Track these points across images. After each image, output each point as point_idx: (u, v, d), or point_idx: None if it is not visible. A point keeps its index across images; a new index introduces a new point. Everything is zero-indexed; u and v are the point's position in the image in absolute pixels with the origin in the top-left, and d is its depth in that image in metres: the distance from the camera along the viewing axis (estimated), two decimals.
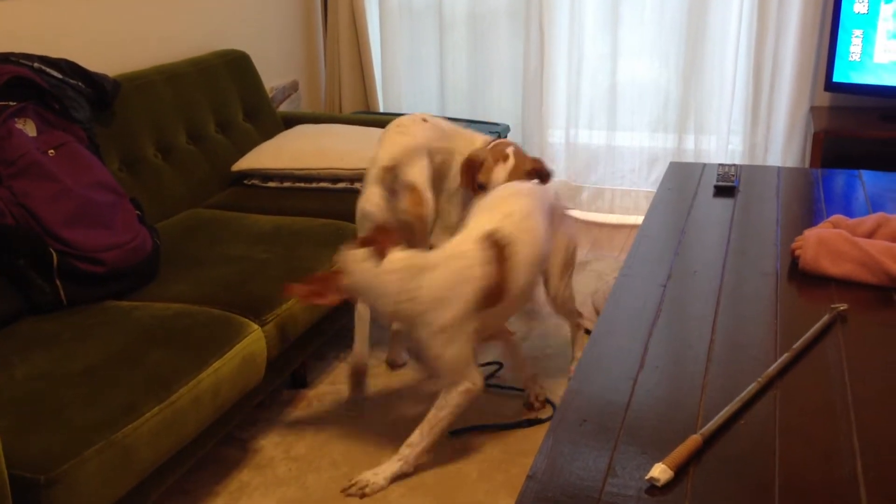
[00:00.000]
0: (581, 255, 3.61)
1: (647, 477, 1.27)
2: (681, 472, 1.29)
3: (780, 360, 1.59)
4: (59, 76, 2.46)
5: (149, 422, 1.73)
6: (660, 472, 1.27)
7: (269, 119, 3.42)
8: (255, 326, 2.12)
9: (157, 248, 2.36)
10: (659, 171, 3.95)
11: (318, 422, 2.42)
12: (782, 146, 3.71)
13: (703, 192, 2.64)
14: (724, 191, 2.63)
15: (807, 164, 3.55)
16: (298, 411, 2.48)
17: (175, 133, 2.96)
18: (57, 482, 1.52)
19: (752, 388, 1.50)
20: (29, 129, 2.21)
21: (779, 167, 3.53)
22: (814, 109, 3.65)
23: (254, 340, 2.09)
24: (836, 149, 3.42)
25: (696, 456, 1.32)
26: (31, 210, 2.10)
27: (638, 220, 3.99)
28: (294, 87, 3.99)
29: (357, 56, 4.06)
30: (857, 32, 3.42)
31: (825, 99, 3.67)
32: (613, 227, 3.97)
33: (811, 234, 2.04)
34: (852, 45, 3.44)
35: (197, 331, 2.03)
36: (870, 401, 1.48)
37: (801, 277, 1.99)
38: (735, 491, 1.27)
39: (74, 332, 2.00)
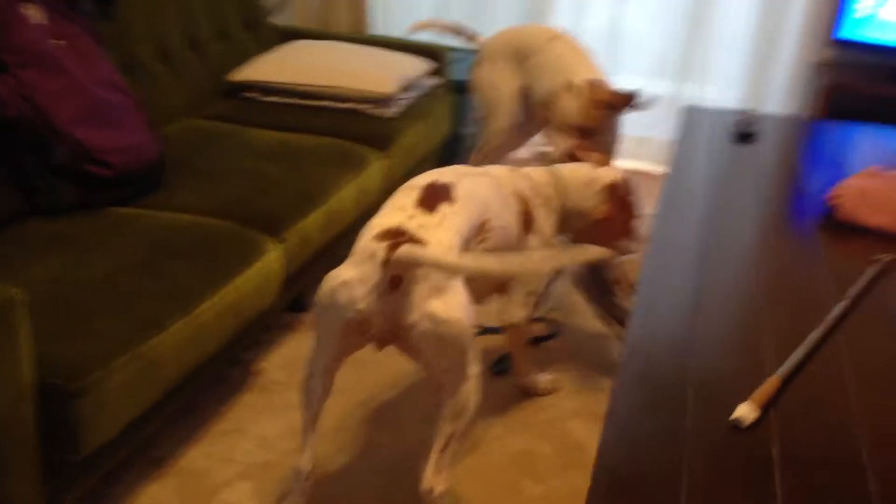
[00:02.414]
0: None
1: (731, 417, 1.24)
2: (763, 413, 1.26)
3: (839, 307, 1.57)
4: None
5: (174, 336, 1.64)
6: (746, 411, 1.24)
7: (266, 31, 3.25)
8: (275, 244, 2.02)
9: (163, 155, 2.23)
10: (654, 115, 3.90)
11: None
12: (782, 99, 3.68)
13: (723, 138, 2.59)
14: (745, 137, 2.59)
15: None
16: (300, 335, 2.40)
17: (173, 38, 2.79)
18: (86, 392, 1.43)
19: (818, 332, 1.48)
20: (36, 15, 2.04)
21: (797, 117, 3.52)
22: (817, 64, 3.62)
23: (273, 258, 2.00)
24: (840, 104, 3.41)
25: (776, 397, 1.29)
26: (38, 104, 1.95)
27: (630, 164, 3.95)
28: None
29: None
30: None
31: (829, 54, 3.65)
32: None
33: (850, 184, 2.01)
34: (861, 2, 3.41)
35: (216, 244, 1.93)
36: None
37: (840, 227, 1.97)
38: (818, 433, 1.25)
39: (86, 237, 1.88)
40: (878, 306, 1.61)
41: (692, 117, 2.77)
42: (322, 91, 2.86)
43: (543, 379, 2.21)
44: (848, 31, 3.45)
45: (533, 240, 1.93)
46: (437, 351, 1.51)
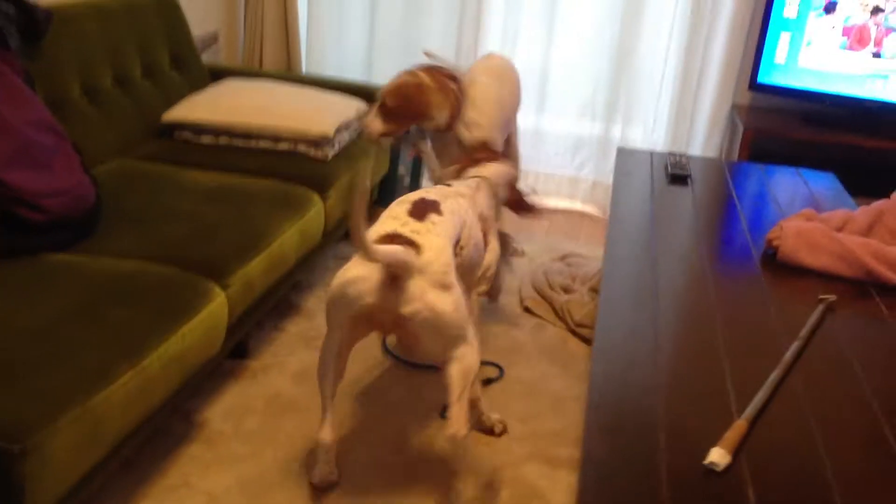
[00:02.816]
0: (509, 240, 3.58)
1: (706, 462, 1.25)
2: (735, 457, 1.27)
3: (793, 347, 1.61)
4: None
5: (121, 389, 1.57)
6: (719, 456, 1.25)
7: (196, 70, 3.19)
8: (219, 290, 1.96)
9: (99, 199, 2.15)
10: (583, 156, 3.98)
11: (265, 395, 2.28)
12: (703, 141, 3.80)
13: (658, 179, 2.65)
14: (679, 179, 2.66)
15: (728, 159, 3.65)
16: (243, 382, 2.33)
17: (103, 76, 2.71)
18: (31, 452, 1.34)
19: (776, 373, 1.51)
20: None
21: (723, 159, 3.63)
22: (736, 107, 3.75)
23: (218, 305, 1.94)
24: (759, 147, 3.53)
25: (745, 440, 1.31)
26: None
27: (560, 203, 4.01)
28: (213, 38, 3.76)
29: (282, 11, 3.85)
30: (785, 36, 3.53)
31: (749, 98, 3.79)
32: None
33: (789, 225, 2.08)
34: (778, 48, 3.56)
35: (159, 291, 1.85)
36: (891, 392, 1.51)
37: (781, 267, 2.02)
38: (789, 475, 1.27)
39: (20, 286, 1.79)
40: (828, 345, 1.65)
41: (626, 159, 2.83)
42: (258, 131, 2.81)
43: (494, 416, 2.20)
44: (766, 77, 3.59)
45: (488, 256, 2.18)
46: (433, 336, 1.73)
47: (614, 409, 1.39)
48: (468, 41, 3.85)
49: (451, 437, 1.78)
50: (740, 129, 3.54)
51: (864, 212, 2.20)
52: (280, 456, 2.03)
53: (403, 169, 3.64)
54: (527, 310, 2.89)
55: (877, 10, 3.40)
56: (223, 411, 2.19)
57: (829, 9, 3.46)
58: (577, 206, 4.02)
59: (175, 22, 3.15)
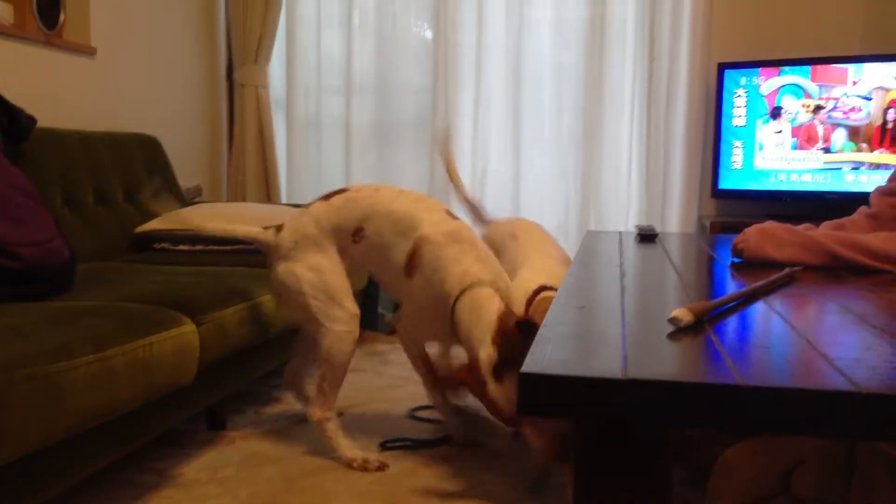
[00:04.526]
0: None
1: (668, 317, 1.22)
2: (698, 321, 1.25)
3: (749, 287, 1.61)
4: None
5: (83, 368, 1.54)
6: (682, 313, 1.23)
7: (178, 198, 3.33)
8: (191, 323, 1.96)
9: (74, 258, 2.19)
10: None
11: (243, 453, 2.19)
12: None
13: (626, 241, 2.71)
14: (648, 238, 2.72)
15: None
16: (221, 447, 2.25)
17: (84, 192, 2.83)
18: None
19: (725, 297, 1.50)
20: None
21: (690, 233, 3.71)
22: (702, 217, 3.88)
23: (189, 331, 1.92)
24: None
25: (707, 313, 1.29)
26: None
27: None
28: (198, 191, 3.93)
29: (262, 166, 4.07)
30: (738, 143, 3.73)
31: (712, 205, 3.93)
32: None
33: (751, 227, 2.13)
34: (733, 156, 3.74)
35: (131, 313, 1.85)
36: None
37: (748, 266, 2.04)
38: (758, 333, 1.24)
39: None
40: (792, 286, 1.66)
41: (594, 236, 2.91)
42: (235, 235, 2.88)
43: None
44: (726, 183, 3.75)
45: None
46: (285, 300, 2.19)
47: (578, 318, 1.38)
48: (440, 178, 4.04)
49: (313, 420, 2.15)
50: (709, 234, 3.64)
51: (826, 225, 2.25)
52: (257, 492, 1.94)
53: (382, 309, 3.70)
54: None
55: (818, 108, 3.63)
56: (199, 466, 2.11)
57: (775, 114, 3.69)
58: None
59: (158, 158, 3.33)
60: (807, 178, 3.63)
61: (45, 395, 1.44)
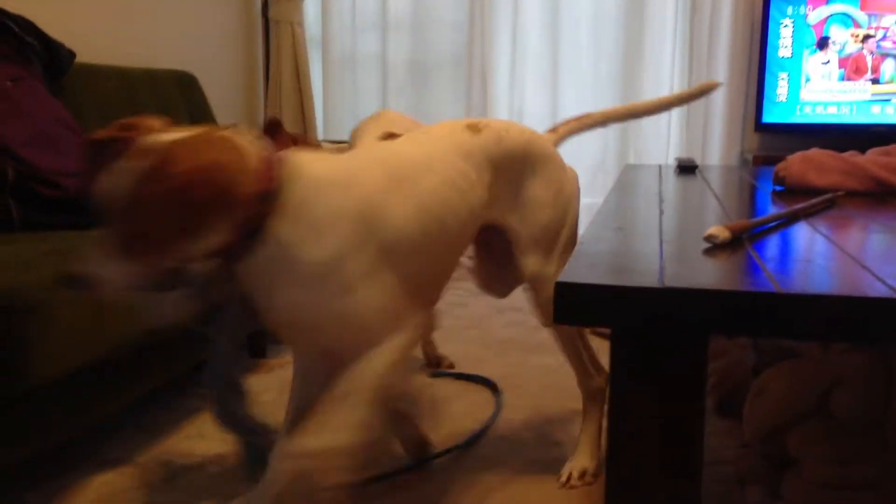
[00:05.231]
0: None
1: (704, 235, 1.21)
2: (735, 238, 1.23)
3: (790, 208, 1.58)
4: (16, 29, 2.36)
5: None
6: (718, 230, 1.21)
7: None
8: None
9: None
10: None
11: (282, 378, 2.23)
12: None
13: (665, 173, 2.68)
14: (687, 169, 2.68)
15: None
16: (260, 375, 2.29)
17: None
18: (34, 310, 1.34)
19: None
20: None
21: (732, 166, 3.66)
22: (745, 150, 3.81)
23: None
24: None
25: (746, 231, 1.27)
26: None
27: None
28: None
29: (299, 105, 4.06)
30: (783, 75, 3.64)
31: (755, 140, 3.86)
32: None
33: (794, 155, 2.08)
34: (779, 88, 3.65)
35: None
36: None
37: (790, 193, 2.01)
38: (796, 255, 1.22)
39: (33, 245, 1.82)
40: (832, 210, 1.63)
41: (632, 169, 2.87)
42: None
43: None
44: (771, 116, 3.67)
45: None
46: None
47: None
48: (477, 98, 4.00)
49: None
50: (751, 167, 3.58)
51: (872, 152, 2.20)
52: None
53: None
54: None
55: (867, 38, 3.52)
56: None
57: (822, 45, 3.59)
58: None
59: (195, 96, 3.33)
60: (854, 110, 3.54)
61: (87, 316, 1.47)
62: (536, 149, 1.72)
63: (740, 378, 2.07)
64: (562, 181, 1.77)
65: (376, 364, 1.27)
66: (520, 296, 3.08)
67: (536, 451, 1.93)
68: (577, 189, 1.87)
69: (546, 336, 2.77)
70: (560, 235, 1.75)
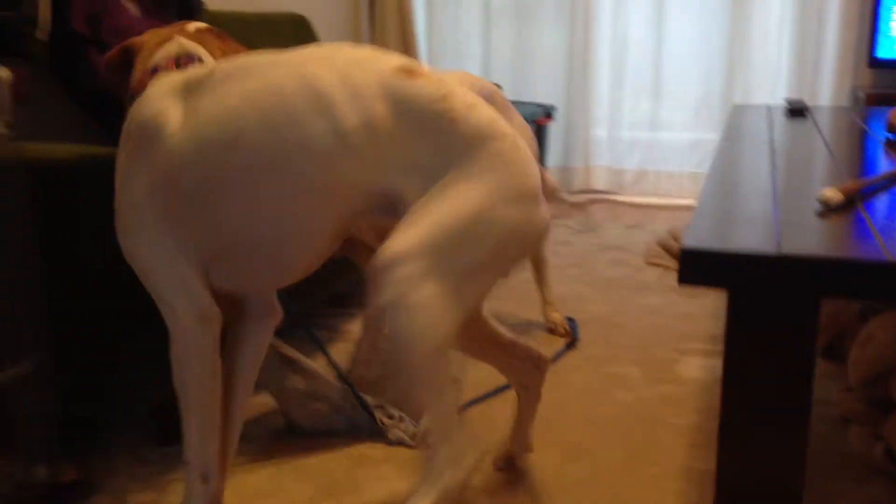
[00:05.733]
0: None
1: (818, 198, 1.27)
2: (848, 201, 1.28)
3: None
4: None
5: None
6: (832, 192, 1.27)
7: None
8: None
9: None
10: (700, 154, 4.00)
11: None
12: None
13: (775, 116, 2.68)
14: (798, 112, 2.68)
15: None
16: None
17: None
18: None
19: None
20: (133, 9, 2.25)
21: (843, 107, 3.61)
22: (857, 87, 3.73)
23: None
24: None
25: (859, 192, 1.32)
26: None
27: (680, 201, 4.04)
28: None
29: (402, 42, 4.15)
30: None
31: (868, 76, 3.77)
32: (657, 209, 4.01)
33: None
34: (892, 21, 3.55)
35: None
36: None
37: None
38: None
39: None
40: None
41: (741, 110, 2.88)
42: None
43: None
44: (885, 52, 3.57)
45: None
46: None
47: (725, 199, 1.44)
48: (579, 47, 4.01)
49: None
50: (863, 107, 3.51)
51: None
52: None
53: None
54: (651, 264, 2.96)
55: None
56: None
57: None
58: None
59: (306, 35, 3.46)
60: None
61: None
62: (492, 149, 1.27)
63: (847, 323, 2.12)
64: (499, 207, 1.26)
65: None
66: (623, 235, 3.19)
67: (645, 389, 2.04)
68: (524, 234, 1.31)
69: (650, 275, 2.87)
70: (458, 258, 1.25)
